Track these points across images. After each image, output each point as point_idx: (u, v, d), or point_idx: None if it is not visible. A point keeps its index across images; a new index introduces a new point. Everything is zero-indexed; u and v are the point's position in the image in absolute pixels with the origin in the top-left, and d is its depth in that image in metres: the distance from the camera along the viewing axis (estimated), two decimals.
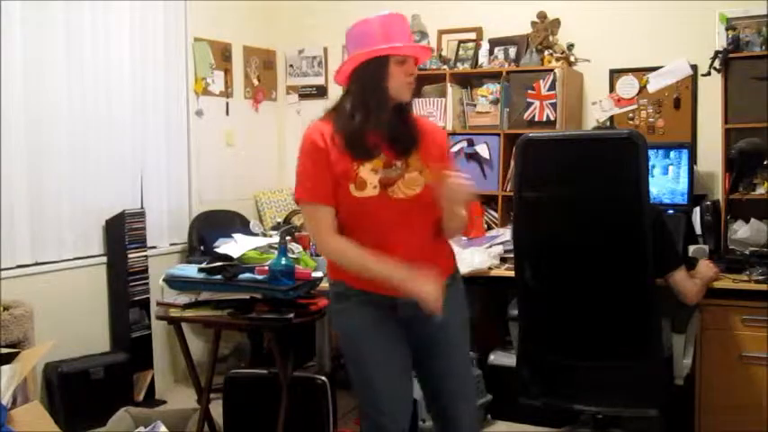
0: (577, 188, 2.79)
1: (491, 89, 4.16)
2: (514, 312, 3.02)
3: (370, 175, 2.13)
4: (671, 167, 3.65)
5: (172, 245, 4.40)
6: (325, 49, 5.04)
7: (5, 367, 2.58)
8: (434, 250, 2.25)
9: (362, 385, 2.26)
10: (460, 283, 2.37)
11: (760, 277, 3.16)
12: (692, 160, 3.68)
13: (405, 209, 2.16)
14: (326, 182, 2.14)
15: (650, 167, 3.42)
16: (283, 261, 2.76)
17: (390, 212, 2.15)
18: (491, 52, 4.23)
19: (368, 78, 2.15)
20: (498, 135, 4.09)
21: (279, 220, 4.73)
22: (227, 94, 4.77)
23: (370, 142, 2.15)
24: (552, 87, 3.91)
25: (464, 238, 3.88)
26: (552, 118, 3.92)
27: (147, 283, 4.04)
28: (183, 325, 3.04)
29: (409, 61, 2.18)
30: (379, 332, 2.23)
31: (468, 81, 4.34)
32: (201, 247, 4.27)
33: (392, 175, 2.15)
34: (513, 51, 4.17)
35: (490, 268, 3.54)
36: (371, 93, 2.15)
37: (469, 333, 2.35)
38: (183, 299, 2.92)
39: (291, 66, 5.17)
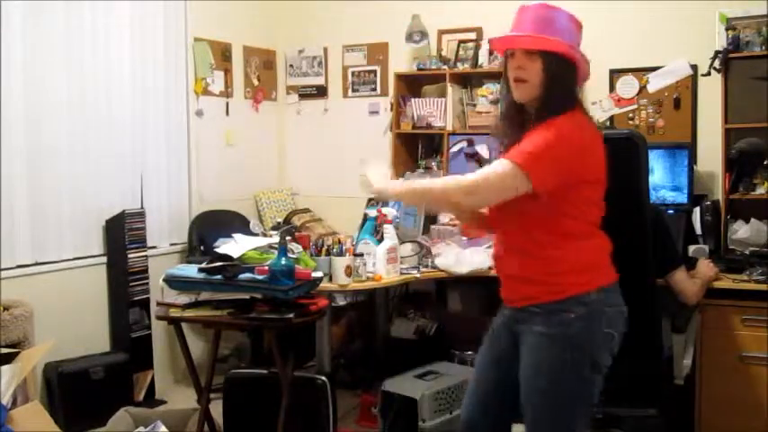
0: None
1: (491, 89, 4.16)
2: None
3: None
4: (671, 167, 3.66)
5: (172, 245, 4.40)
6: (325, 49, 5.04)
7: (5, 367, 2.59)
8: (515, 264, 2.12)
9: None
10: (545, 326, 2.03)
11: (760, 277, 3.16)
12: (692, 160, 3.68)
13: (495, 208, 2.16)
14: None
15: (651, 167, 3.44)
16: (283, 261, 2.76)
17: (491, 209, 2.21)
18: (491, 52, 4.22)
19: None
20: None
21: (279, 220, 4.74)
22: (227, 94, 4.77)
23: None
24: None
25: (464, 238, 3.88)
26: None
27: (147, 283, 4.04)
28: (183, 325, 3.03)
29: (516, 55, 2.04)
30: (486, 341, 2.31)
31: (468, 81, 4.34)
32: (201, 247, 4.27)
33: None
34: None
35: (490, 268, 3.54)
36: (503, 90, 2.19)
37: (545, 393, 2.06)
38: (183, 299, 2.92)
39: (291, 66, 5.17)
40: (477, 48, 4.33)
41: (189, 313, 2.89)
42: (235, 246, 2.98)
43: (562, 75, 2.03)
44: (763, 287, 3.10)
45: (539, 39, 2.00)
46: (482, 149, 4.10)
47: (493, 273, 3.48)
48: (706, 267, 3.08)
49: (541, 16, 2.03)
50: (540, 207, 2.01)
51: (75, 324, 3.77)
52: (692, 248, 3.39)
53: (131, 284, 3.98)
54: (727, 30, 3.60)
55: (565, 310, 2.03)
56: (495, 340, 2.27)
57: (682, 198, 3.63)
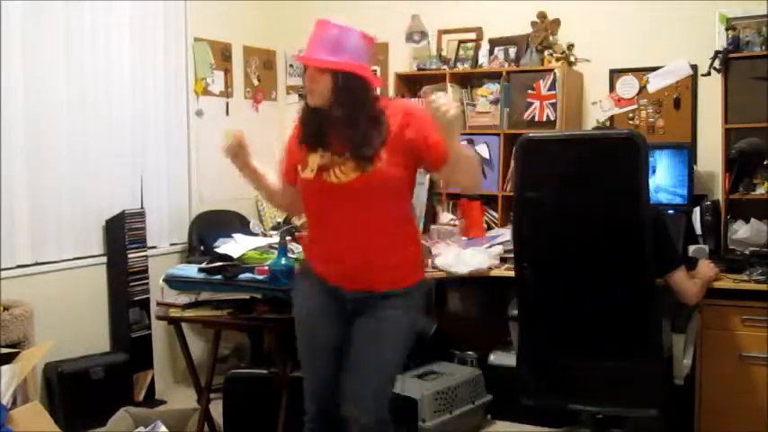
0: (577, 188, 2.79)
1: (491, 89, 4.16)
2: (514, 312, 3.02)
3: (314, 159, 2.36)
4: (671, 167, 3.66)
5: (172, 245, 4.40)
6: None
7: (5, 367, 2.58)
8: (373, 249, 2.33)
9: None
10: (400, 309, 2.35)
11: (760, 277, 3.16)
12: (692, 160, 3.68)
13: (337, 194, 2.30)
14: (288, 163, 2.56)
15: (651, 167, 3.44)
16: (283, 261, 2.77)
17: (324, 195, 2.35)
18: (491, 52, 4.23)
19: None
20: (498, 135, 4.09)
21: (279, 220, 4.73)
22: (227, 94, 4.77)
23: (318, 135, 2.37)
24: (552, 87, 3.91)
25: (464, 238, 3.88)
26: (552, 118, 3.92)
27: (147, 283, 4.04)
28: (183, 325, 3.04)
29: (309, 68, 2.32)
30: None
31: (468, 81, 4.34)
32: (201, 247, 4.27)
33: (330, 162, 2.32)
34: (513, 51, 4.17)
35: (490, 268, 3.55)
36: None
37: (386, 351, 2.35)
38: (183, 299, 2.93)
39: (291, 66, 5.17)
40: (477, 48, 4.33)
41: (189, 313, 2.89)
42: (235, 246, 2.98)
43: (349, 86, 2.28)
44: (763, 287, 3.11)
45: (327, 61, 2.27)
46: (482, 149, 4.10)
47: (493, 273, 3.52)
48: (706, 267, 3.08)
49: (334, 37, 2.29)
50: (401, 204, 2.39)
51: (75, 324, 3.77)
52: (692, 248, 3.39)
53: (131, 284, 3.98)
54: (727, 30, 3.60)
55: (410, 294, 2.38)
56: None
57: (681, 198, 3.63)
